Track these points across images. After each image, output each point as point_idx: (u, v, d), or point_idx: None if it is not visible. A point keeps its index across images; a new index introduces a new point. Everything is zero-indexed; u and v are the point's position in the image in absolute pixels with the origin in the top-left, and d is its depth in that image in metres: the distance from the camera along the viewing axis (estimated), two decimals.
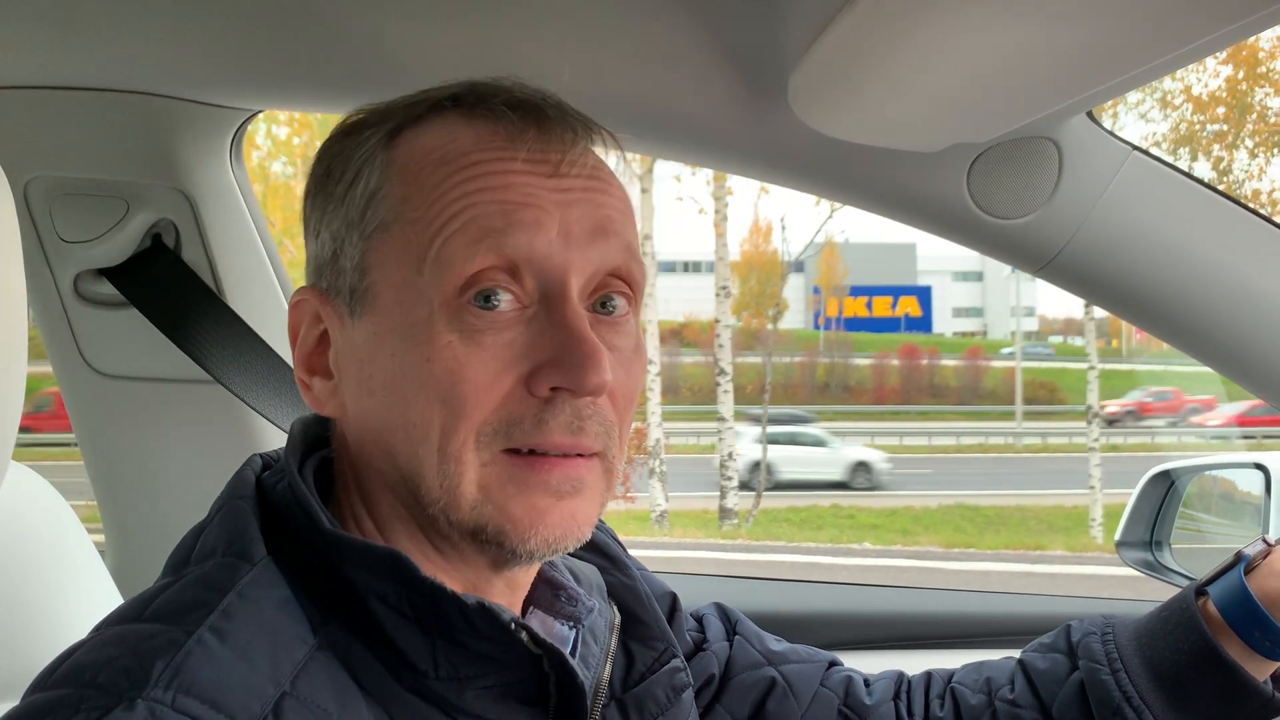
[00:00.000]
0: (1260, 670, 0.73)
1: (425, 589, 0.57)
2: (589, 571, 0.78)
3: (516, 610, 0.69)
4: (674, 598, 0.89)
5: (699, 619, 0.92)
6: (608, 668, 0.72)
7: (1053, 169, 0.93)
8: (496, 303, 0.59)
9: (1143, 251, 0.95)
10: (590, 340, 0.59)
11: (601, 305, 0.63)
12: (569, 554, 0.75)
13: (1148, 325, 1.03)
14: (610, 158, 0.67)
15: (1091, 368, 11.91)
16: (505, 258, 0.59)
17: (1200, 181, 0.96)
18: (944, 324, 47.91)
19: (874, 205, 1.01)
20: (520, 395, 0.59)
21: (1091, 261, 0.97)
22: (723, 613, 0.93)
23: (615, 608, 0.77)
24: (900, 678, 0.88)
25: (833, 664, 0.90)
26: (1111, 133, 0.95)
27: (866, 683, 0.88)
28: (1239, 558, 0.73)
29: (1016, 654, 0.87)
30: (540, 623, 0.71)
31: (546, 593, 0.72)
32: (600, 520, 0.82)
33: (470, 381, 0.58)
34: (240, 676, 0.51)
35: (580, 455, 0.60)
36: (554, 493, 0.59)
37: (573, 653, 0.69)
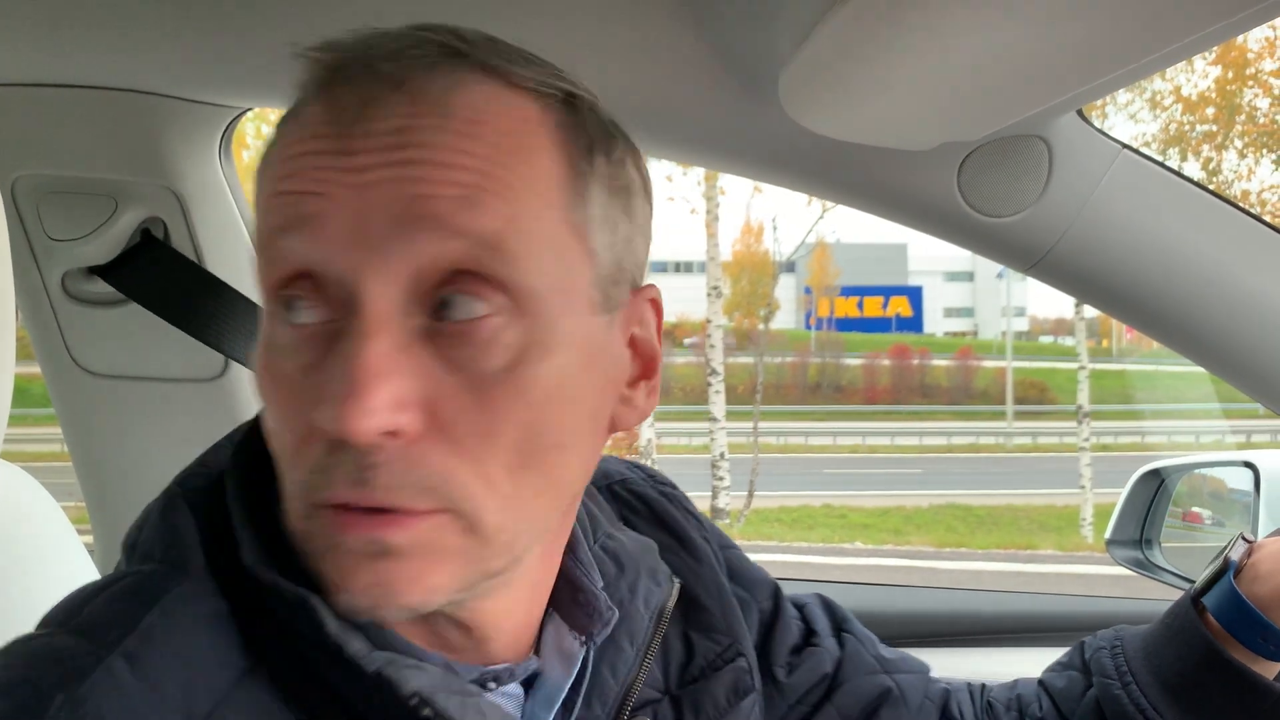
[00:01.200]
0: (1268, 670, 0.73)
1: (327, 646, 0.49)
2: (640, 551, 0.69)
3: (536, 614, 0.61)
4: (776, 590, 0.82)
5: (800, 607, 0.85)
6: (640, 671, 0.64)
7: (1043, 167, 0.93)
8: (298, 318, 0.49)
9: (1133, 249, 0.95)
10: (356, 367, 0.45)
11: (439, 309, 0.48)
12: (627, 527, 0.72)
13: (1138, 323, 1.03)
14: (480, 89, 0.50)
15: (1082, 368, 11.93)
16: (291, 265, 0.48)
17: (1190, 180, 0.96)
18: (935, 324, 48.02)
19: (865, 203, 1.01)
20: (311, 434, 0.48)
21: (1082, 259, 0.97)
22: (828, 607, 0.86)
23: (676, 591, 0.69)
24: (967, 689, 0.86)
25: (929, 673, 0.86)
26: (1101, 131, 0.95)
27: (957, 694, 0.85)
28: (1227, 563, 0.73)
29: (1013, 652, 0.87)
30: (554, 634, 0.62)
31: (567, 593, 0.63)
32: (670, 488, 0.80)
33: (273, 418, 0.51)
34: (146, 711, 0.45)
35: (399, 511, 0.47)
36: (357, 553, 0.48)
37: (582, 671, 0.62)
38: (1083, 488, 11.30)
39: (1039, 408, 26.17)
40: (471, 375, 0.48)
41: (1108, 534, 1.42)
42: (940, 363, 32.40)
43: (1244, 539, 0.74)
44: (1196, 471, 1.41)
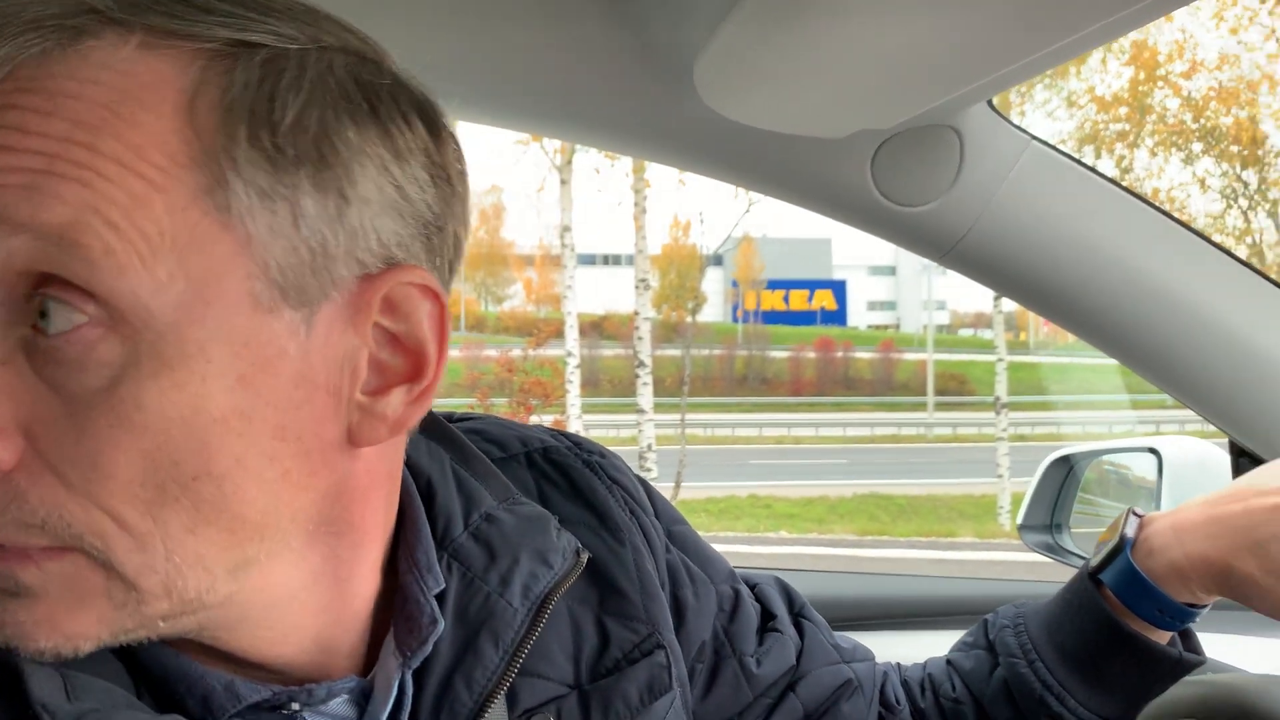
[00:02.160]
0: (1163, 638, 0.75)
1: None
2: (525, 530, 0.62)
3: (350, 630, 0.55)
4: (732, 573, 0.77)
5: (753, 587, 0.79)
6: (507, 675, 0.57)
7: (954, 157, 0.94)
8: None
9: (1040, 239, 0.97)
10: None
11: (42, 319, 0.41)
12: (540, 500, 0.65)
13: (1046, 312, 1.05)
14: (92, 51, 0.42)
15: (1000, 360, 12.23)
16: None
17: (1096, 172, 0.98)
18: (859, 317, 48.82)
19: (782, 191, 1.01)
20: None
21: (992, 248, 0.99)
22: (785, 590, 0.82)
23: (579, 571, 0.62)
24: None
25: (874, 659, 0.85)
26: (1012, 122, 0.96)
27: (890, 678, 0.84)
28: (1124, 540, 0.75)
29: (931, 635, 0.88)
30: (387, 650, 0.56)
31: (401, 603, 0.57)
32: (598, 457, 0.73)
33: None
34: None
35: (14, 548, 0.43)
36: None
37: (402, 694, 0.55)
38: (1000, 476, 11.59)
39: (959, 399, 26.79)
40: (67, 397, 0.42)
41: (1019, 520, 1.45)
42: (864, 355, 33.00)
43: (1134, 514, 0.76)
44: (1104, 458, 1.45)
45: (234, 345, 0.43)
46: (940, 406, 25.27)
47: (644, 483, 0.75)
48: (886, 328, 46.54)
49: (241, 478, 0.45)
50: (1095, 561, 0.77)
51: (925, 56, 0.75)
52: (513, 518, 0.62)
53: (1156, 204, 1.00)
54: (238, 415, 0.44)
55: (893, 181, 0.96)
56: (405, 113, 0.49)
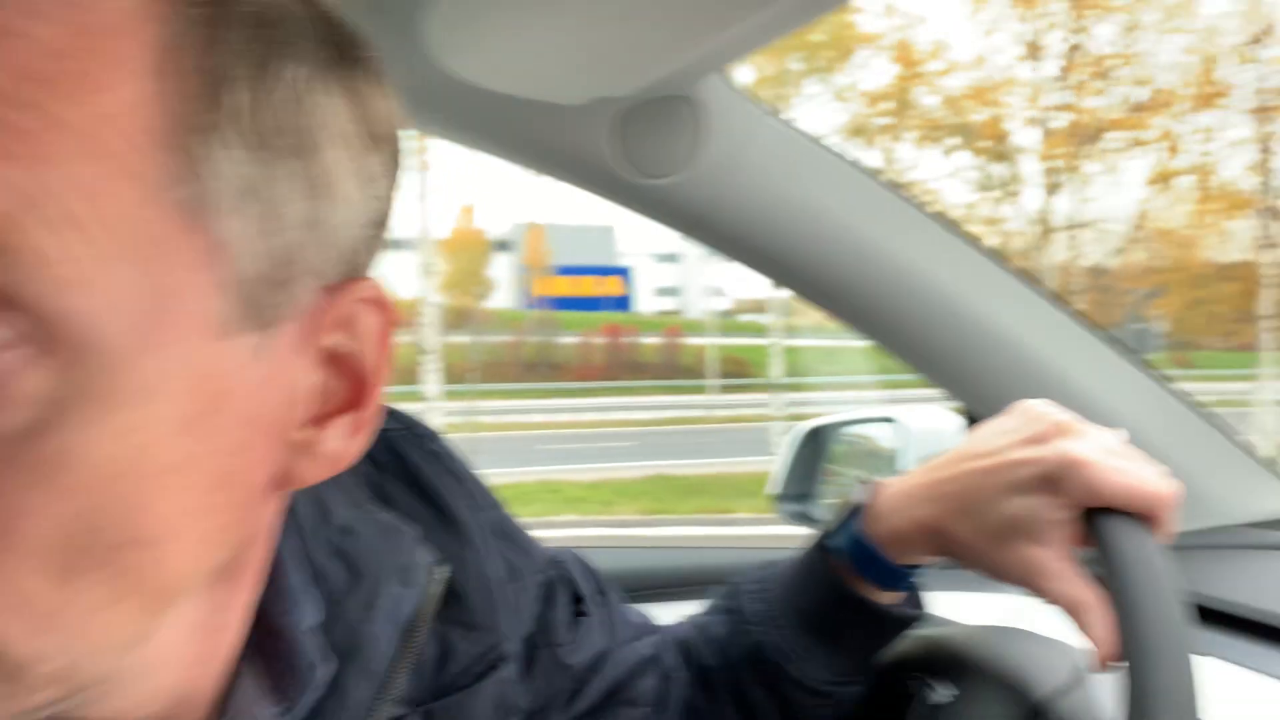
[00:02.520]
0: (892, 597, 0.78)
1: None
2: (384, 545, 0.54)
3: (206, 681, 0.45)
4: (549, 553, 0.72)
5: (558, 564, 0.74)
6: (381, 710, 0.50)
7: (691, 128, 0.94)
8: None
9: (778, 213, 0.98)
10: None
11: None
12: (378, 500, 0.57)
13: (794, 287, 1.07)
14: None
15: (775, 344, 12.77)
16: None
17: (828, 148, 1.00)
18: (646, 303, 49.78)
19: (522, 157, 0.98)
20: None
21: (732, 221, 0.99)
22: (586, 567, 0.77)
23: (442, 588, 0.56)
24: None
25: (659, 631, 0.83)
26: (748, 95, 0.97)
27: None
28: (851, 508, 0.77)
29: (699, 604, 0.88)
30: (244, 698, 0.47)
31: (264, 639, 0.47)
32: (436, 444, 0.65)
33: None
34: None
35: None
36: None
37: None
38: (775, 454, 12.09)
39: (740, 381, 27.76)
40: None
41: (773, 490, 1.49)
42: (650, 340, 33.68)
43: (865, 482, 0.78)
44: (850, 429, 1.51)
45: (190, 379, 0.35)
46: (723, 389, 26.14)
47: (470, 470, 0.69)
48: (672, 313, 47.69)
49: (174, 540, 0.36)
50: (827, 528, 0.79)
51: (651, 20, 0.74)
52: (370, 529, 0.54)
53: (884, 180, 1.03)
54: (181, 466, 0.35)
55: (632, 152, 0.95)
56: (382, 90, 0.42)
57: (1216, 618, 0.91)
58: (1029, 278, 1.08)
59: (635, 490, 13.32)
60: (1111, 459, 0.63)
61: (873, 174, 1.02)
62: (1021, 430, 0.69)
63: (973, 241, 1.05)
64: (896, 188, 1.03)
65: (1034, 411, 0.69)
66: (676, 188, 0.97)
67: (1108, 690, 0.52)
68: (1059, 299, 1.10)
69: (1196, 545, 1.17)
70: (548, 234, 39.72)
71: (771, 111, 0.98)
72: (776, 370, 12.60)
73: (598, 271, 48.19)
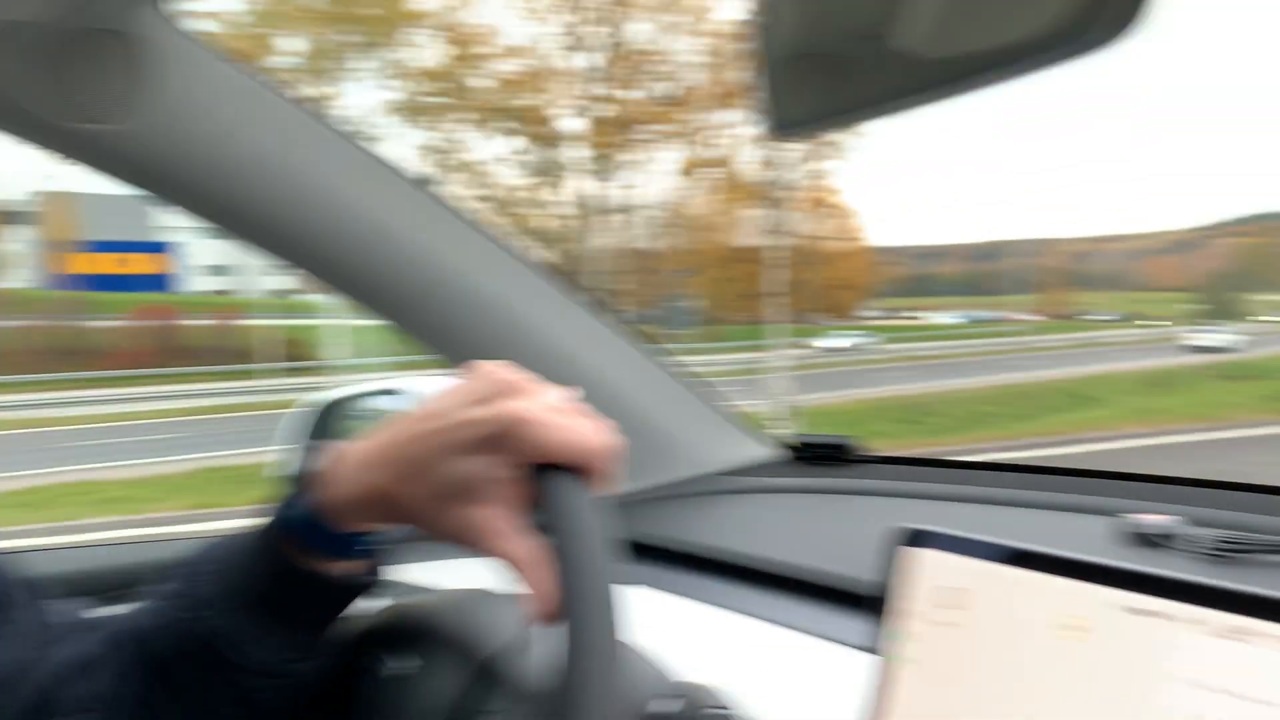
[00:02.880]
0: (346, 566, 0.75)
1: None
2: None
3: None
4: None
5: None
6: None
7: (127, 67, 0.85)
8: None
9: (234, 164, 0.92)
10: None
11: None
12: None
13: (269, 250, 1.01)
14: None
15: (324, 324, 12.44)
16: None
17: (303, 106, 0.96)
18: (197, 282, 46.17)
19: None
20: None
21: (189, 176, 0.92)
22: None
23: None
24: None
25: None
26: (203, 40, 0.89)
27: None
28: (297, 478, 0.73)
29: None
30: None
31: None
32: None
33: None
34: None
35: None
36: None
37: None
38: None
39: (300, 365, 26.64)
40: None
41: (284, 472, 1.42)
42: (204, 322, 31.31)
43: (319, 451, 0.75)
44: (363, 402, 1.48)
45: None
46: (285, 373, 24.96)
47: None
48: (227, 293, 44.56)
49: None
50: (278, 501, 0.74)
51: None
52: None
53: (363, 141, 1.00)
54: None
55: (56, 90, 0.84)
56: None
57: (667, 555, 1.00)
58: (522, 253, 1.11)
59: (189, 484, 12.38)
60: (554, 416, 0.65)
61: (351, 136, 0.99)
62: (471, 392, 0.69)
63: (454, 207, 1.06)
64: (375, 151, 1.01)
65: (484, 372, 0.70)
66: (122, 136, 0.87)
67: (553, 642, 0.53)
68: (552, 272, 1.15)
69: (674, 495, 1.29)
70: (76, 204, 35.32)
71: (232, 59, 0.91)
72: (338, 351, 12.25)
73: (138, 248, 43.60)
